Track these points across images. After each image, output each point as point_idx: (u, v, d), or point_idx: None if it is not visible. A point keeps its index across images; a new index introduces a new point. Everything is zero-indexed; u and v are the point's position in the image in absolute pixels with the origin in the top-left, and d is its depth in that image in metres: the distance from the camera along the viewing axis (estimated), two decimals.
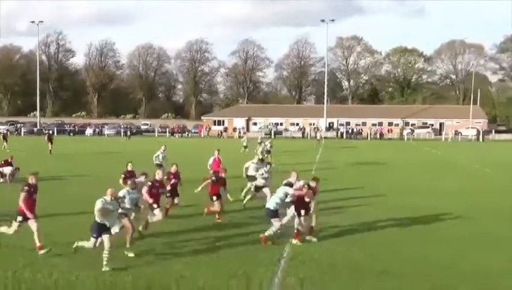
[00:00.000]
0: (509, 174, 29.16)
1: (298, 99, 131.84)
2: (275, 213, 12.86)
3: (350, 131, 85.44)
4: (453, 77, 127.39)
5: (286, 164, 27.35)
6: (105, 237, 10.70)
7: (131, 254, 11.39)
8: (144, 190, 13.65)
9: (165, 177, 15.53)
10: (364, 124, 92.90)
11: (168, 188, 15.54)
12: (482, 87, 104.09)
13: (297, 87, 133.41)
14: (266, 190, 17.25)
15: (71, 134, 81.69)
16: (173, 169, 16.27)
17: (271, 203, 13.09)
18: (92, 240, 10.83)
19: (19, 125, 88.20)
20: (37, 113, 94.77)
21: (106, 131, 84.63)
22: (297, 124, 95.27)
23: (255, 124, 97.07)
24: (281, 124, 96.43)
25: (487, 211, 17.87)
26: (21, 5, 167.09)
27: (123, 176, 16.61)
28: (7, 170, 23.94)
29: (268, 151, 32.06)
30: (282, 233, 13.02)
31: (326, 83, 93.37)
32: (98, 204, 10.83)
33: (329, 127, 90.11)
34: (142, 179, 14.75)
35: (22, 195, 11.63)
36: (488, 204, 19.29)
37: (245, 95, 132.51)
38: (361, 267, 10.93)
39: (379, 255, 11.90)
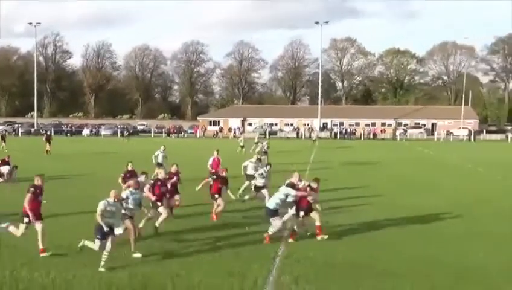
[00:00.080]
0: (502, 174, 29.24)
1: (293, 100, 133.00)
2: (275, 212, 12.87)
3: (344, 131, 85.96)
4: (445, 78, 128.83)
5: (281, 163, 27.57)
6: (108, 239, 10.69)
7: (138, 255, 11.29)
8: (146, 188, 13.66)
9: (167, 176, 15.50)
10: (357, 124, 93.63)
11: (169, 186, 15.30)
12: (473, 88, 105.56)
13: (292, 88, 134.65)
14: (265, 191, 17.26)
15: (68, 134, 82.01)
16: (173, 169, 16.49)
17: (271, 202, 13.08)
18: (97, 242, 10.74)
19: (16, 125, 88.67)
20: (35, 113, 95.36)
21: (103, 131, 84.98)
22: (292, 125, 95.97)
23: (250, 124, 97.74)
24: (276, 124, 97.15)
25: (486, 210, 17.89)
26: (19, 6, 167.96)
27: (122, 175, 17.03)
28: (4, 169, 24.03)
29: (265, 152, 32.11)
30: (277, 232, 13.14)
31: (320, 84, 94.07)
32: (101, 206, 10.74)
33: (323, 128, 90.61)
34: (142, 178, 14.83)
35: (28, 196, 11.47)
36: (487, 203, 19.30)
37: (240, 96, 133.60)
38: (360, 266, 10.90)
39: (379, 255, 11.85)
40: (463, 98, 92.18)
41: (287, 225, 13.23)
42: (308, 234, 13.22)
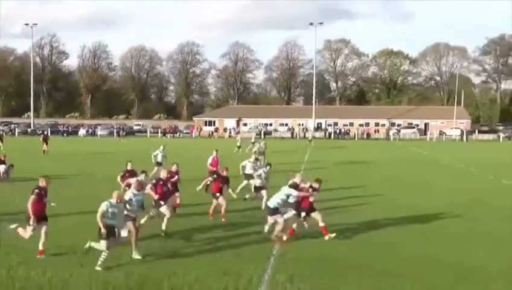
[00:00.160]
0: (494, 173, 29.21)
1: (287, 100, 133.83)
2: (276, 211, 12.89)
3: (338, 131, 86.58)
4: (438, 78, 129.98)
5: (276, 163, 27.09)
6: (112, 238, 10.68)
7: (138, 257, 11.22)
8: (148, 187, 13.66)
9: (168, 175, 15.38)
10: (351, 124, 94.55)
11: (169, 186, 15.17)
12: (466, 89, 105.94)
13: (287, 89, 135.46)
14: (264, 192, 17.29)
15: (64, 134, 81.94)
16: (174, 168, 16.70)
17: (272, 202, 13.05)
18: (103, 242, 10.61)
19: (13, 126, 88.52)
20: (31, 114, 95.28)
21: (99, 132, 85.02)
22: (287, 125, 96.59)
23: (245, 124, 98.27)
24: (271, 124, 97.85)
25: (486, 210, 17.96)
26: (15, 8, 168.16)
27: (121, 174, 17.14)
28: (1, 168, 24.15)
29: (262, 153, 32.09)
30: (271, 231, 13.21)
31: (314, 84, 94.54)
32: (103, 207, 10.69)
33: (318, 128, 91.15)
34: (142, 177, 14.89)
35: (32, 198, 11.29)
36: (485, 203, 19.37)
37: (235, 96, 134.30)
38: (360, 266, 10.92)
39: (379, 255, 11.84)
40: (455, 99, 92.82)
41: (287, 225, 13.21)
42: (314, 236, 13.14)
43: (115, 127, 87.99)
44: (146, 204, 12.66)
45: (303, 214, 13.10)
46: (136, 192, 12.06)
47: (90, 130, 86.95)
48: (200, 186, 17.47)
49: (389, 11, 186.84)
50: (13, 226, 11.79)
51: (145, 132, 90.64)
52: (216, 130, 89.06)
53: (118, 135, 73.97)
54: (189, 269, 10.46)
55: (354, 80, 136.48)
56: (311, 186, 13.53)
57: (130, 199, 11.81)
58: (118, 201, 10.96)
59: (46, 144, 41.16)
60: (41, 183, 11.67)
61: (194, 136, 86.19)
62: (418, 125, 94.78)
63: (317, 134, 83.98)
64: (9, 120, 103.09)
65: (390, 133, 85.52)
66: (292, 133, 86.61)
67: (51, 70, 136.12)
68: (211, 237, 13.35)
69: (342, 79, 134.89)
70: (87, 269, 10.34)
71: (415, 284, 9.85)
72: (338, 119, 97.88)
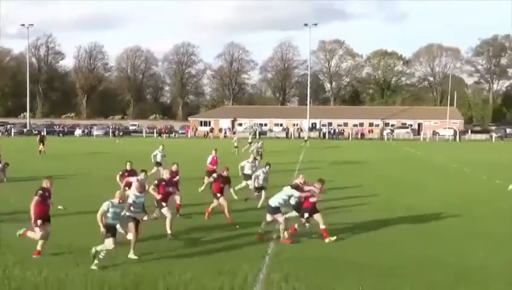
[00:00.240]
0: (487, 173, 29.12)
1: (282, 100, 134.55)
2: (277, 210, 12.86)
3: (332, 131, 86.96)
4: (431, 79, 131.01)
5: (272, 163, 25.95)
6: (104, 240, 10.56)
7: (134, 257, 11.11)
8: (151, 188, 13.64)
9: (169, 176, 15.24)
10: (345, 124, 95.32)
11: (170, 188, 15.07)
12: (459, 89, 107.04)
13: (281, 89, 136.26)
14: (262, 193, 17.33)
15: (60, 135, 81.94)
16: (174, 168, 16.75)
17: (274, 201, 12.98)
18: (109, 240, 10.48)
19: (8, 126, 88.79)
20: (27, 114, 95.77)
21: (95, 132, 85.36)
22: (281, 125, 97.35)
23: (240, 124, 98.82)
24: (266, 124, 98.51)
25: (484, 210, 17.90)
26: (11, 8, 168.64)
27: (121, 173, 17.05)
28: None
29: (260, 153, 31.95)
30: (268, 231, 13.26)
31: (309, 84, 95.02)
32: (104, 206, 10.58)
33: (312, 128, 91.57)
34: (142, 176, 15.01)
35: (35, 199, 11.17)
36: (483, 203, 19.34)
37: (230, 97, 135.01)
38: (359, 266, 10.88)
39: (379, 255, 11.79)
40: (448, 99, 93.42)
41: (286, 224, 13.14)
42: (314, 236, 13.09)
43: (111, 127, 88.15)
44: (148, 203, 12.69)
45: (306, 215, 12.93)
46: (138, 194, 12.02)
47: (86, 131, 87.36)
48: (203, 187, 17.93)
49: (383, 11, 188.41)
50: (21, 231, 11.64)
51: (141, 132, 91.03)
52: (211, 130, 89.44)
53: (114, 135, 74.06)
54: (185, 268, 10.40)
55: (348, 80, 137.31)
56: (314, 187, 13.31)
57: (134, 201, 11.77)
58: (121, 201, 10.86)
59: (43, 144, 41.04)
60: (45, 184, 11.55)
61: (189, 136, 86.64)
62: (411, 125, 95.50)
63: (312, 134, 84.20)
64: (5, 120, 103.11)
65: (384, 133, 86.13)
66: (287, 133, 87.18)
67: (47, 70, 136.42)
68: (206, 236, 13.33)
69: (336, 79, 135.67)
70: (83, 268, 10.28)
71: (415, 284, 9.81)
72: (332, 119, 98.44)
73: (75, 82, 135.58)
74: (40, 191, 11.27)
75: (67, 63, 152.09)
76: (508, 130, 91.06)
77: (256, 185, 17.76)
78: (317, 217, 12.99)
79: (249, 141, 43.68)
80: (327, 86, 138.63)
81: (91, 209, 13.84)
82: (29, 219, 11.34)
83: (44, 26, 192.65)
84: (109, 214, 10.57)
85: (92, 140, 70.70)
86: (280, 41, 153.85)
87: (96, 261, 10.37)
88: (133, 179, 15.20)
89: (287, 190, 13.08)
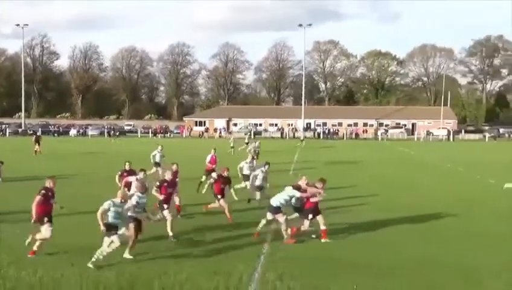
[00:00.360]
0: (480, 173, 29.31)
1: (277, 100, 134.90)
2: (278, 210, 12.86)
3: (327, 131, 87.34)
4: (425, 79, 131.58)
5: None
6: (108, 239, 10.52)
7: (129, 256, 11.11)
8: (154, 190, 13.62)
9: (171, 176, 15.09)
10: (340, 124, 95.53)
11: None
12: (452, 89, 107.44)
13: (276, 89, 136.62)
14: (260, 192, 17.46)
15: (55, 135, 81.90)
16: (174, 167, 16.80)
17: (275, 201, 13.00)
18: (114, 237, 10.46)
19: (3, 126, 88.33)
20: (22, 114, 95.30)
21: (90, 132, 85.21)
22: (276, 125, 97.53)
23: (235, 124, 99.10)
24: (261, 124, 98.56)
25: (483, 210, 17.96)
26: (6, 8, 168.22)
27: (119, 173, 17.02)
28: None
29: (257, 152, 32.04)
30: (263, 231, 13.31)
31: (303, 85, 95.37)
32: (105, 205, 10.57)
33: (307, 128, 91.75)
34: (141, 175, 15.02)
35: (37, 198, 11.10)
36: (481, 203, 19.40)
37: (225, 97, 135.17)
38: (359, 266, 10.88)
39: (379, 255, 11.78)
40: (442, 99, 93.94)
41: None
42: (314, 236, 13.14)
43: (106, 127, 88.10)
44: (148, 203, 12.67)
45: (310, 216, 12.97)
46: (140, 195, 11.98)
47: (81, 130, 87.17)
48: (204, 190, 18.13)
49: (376, 11, 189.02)
50: (29, 239, 11.48)
51: (136, 132, 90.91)
52: (206, 130, 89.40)
53: (109, 135, 74.12)
54: (180, 268, 10.41)
55: (342, 80, 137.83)
56: (314, 187, 13.33)
57: (137, 202, 11.73)
58: (122, 201, 10.86)
59: (38, 144, 40.91)
60: (48, 184, 11.50)
61: (184, 136, 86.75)
62: (405, 125, 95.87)
63: (307, 134, 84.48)
64: (0, 120, 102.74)
65: (379, 133, 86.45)
66: (282, 133, 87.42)
67: (42, 70, 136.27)
68: (203, 237, 13.33)
69: (331, 80, 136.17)
70: (78, 268, 10.25)
71: (415, 284, 9.85)
72: (327, 119, 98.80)
73: (70, 82, 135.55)
74: (43, 191, 11.23)
75: (62, 63, 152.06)
76: (501, 130, 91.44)
77: (255, 184, 17.78)
78: (319, 218, 13.05)
79: (246, 141, 43.83)
80: (322, 86, 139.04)
81: (87, 209, 14.28)
82: (30, 219, 11.29)
83: (39, 26, 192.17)
84: (111, 213, 10.56)
85: (87, 140, 70.75)
86: (275, 41, 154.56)
87: (94, 260, 10.36)
88: (132, 179, 15.32)
89: (289, 190, 13.06)
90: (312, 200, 13.03)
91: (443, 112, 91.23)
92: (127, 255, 11.10)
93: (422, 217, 16.23)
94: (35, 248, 11.15)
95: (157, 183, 13.98)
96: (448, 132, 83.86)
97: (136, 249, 11.44)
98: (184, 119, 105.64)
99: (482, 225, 15.52)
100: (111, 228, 10.51)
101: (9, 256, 11.06)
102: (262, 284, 9.68)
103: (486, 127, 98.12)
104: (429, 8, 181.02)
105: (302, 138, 65.16)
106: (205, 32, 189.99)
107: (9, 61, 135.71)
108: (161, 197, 13.47)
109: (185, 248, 12.28)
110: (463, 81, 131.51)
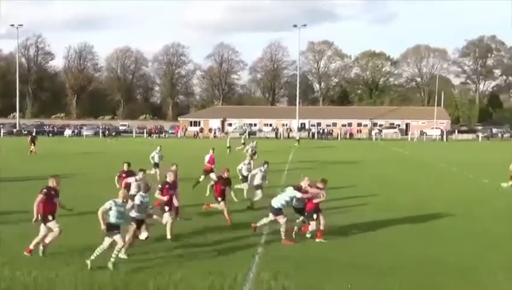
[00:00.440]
0: (474, 173, 29.44)
1: (271, 101, 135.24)
2: (279, 211, 12.84)
3: (321, 131, 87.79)
4: (418, 79, 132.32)
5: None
6: (109, 238, 10.51)
7: (124, 256, 11.04)
8: (156, 192, 13.52)
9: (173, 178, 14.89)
10: (334, 124, 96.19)
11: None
12: (446, 90, 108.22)
13: (271, 90, 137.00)
14: (259, 192, 17.51)
15: (50, 135, 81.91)
16: (173, 168, 16.61)
17: (276, 201, 12.97)
18: (116, 236, 10.47)
19: None
20: (17, 114, 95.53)
21: (85, 132, 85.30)
22: (271, 125, 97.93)
23: (230, 124, 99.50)
24: (255, 124, 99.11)
25: (483, 210, 18.00)
26: (0, 8, 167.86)
27: (118, 174, 17.00)
28: None
29: (254, 152, 31.88)
30: (259, 233, 13.31)
31: (298, 85, 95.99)
32: (106, 205, 10.54)
33: (302, 128, 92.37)
34: (140, 175, 15.02)
35: (39, 197, 10.97)
36: (481, 203, 19.46)
37: (220, 97, 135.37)
38: (358, 266, 10.88)
39: (379, 255, 11.77)
40: (436, 99, 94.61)
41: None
42: (309, 236, 13.13)
43: (101, 127, 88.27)
44: (152, 201, 12.71)
45: (315, 216, 12.95)
46: (144, 194, 11.91)
47: (76, 131, 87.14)
48: (208, 193, 18.29)
49: (370, 12, 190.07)
50: (41, 248, 11.22)
51: (131, 132, 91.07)
52: (201, 130, 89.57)
53: (104, 135, 74.26)
54: (175, 268, 10.42)
55: (337, 80, 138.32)
56: (316, 187, 13.33)
57: (141, 202, 11.68)
58: (124, 201, 10.83)
59: (34, 144, 40.97)
60: (51, 183, 11.34)
61: (179, 136, 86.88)
62: (399, 125, 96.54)
63: (301, 134, 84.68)
64: None
65: (373, 133, 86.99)
66: (276, 134, 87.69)
67: (37, 70, 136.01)
68: (197, 237, 13.30)
69: (325, 80, 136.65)
70: (73, 268, 10.23)
71: (415, 284, 9.85)
72: (321, 119, 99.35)
73: (65, 82, 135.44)
74: (45, 190, 11.12)
75: (57, 63, 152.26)
76: (494, 130, 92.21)
77: (253, 183, 17.82)
78: (320, 218, 13.11)
79: (242, 141, 43.88)
80: (316, 86, 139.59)
81: (86, 209, 14.42)
82: (30, 219, 11.19)
83: (33, 27, 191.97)
84: (113, 213, 10.53)
85: (82, 140, 70.74)
86: (269, 42, 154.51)
87: (93, 257, 10.34)
88: (131, 180, 15.43)
89: (290, 191, 13.03)
90: (314, 201, 13.04)
91: (436, 112, 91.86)
92: (122, 255, 11.02)
93: (422, 217, 16.25)
94: (31, 246, 11.09)
95: (159, 186, 13.86)
96: (442, 132, 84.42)
97: (130, 250, 11.43)
98: (179, 119, 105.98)
99: (481, 224, 15.54)
100: (112, 228, 10.49)
101: (3, 256, 11.01)
102: (256, 284, 9.69)
103: (480, 127, 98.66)
104: (423, 9, 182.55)
105: (298, 138, 65.39)
106: (200, 33, 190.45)
107: (3, 62, 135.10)
108: (164, 198, 13.42)
109: (179, 248, 12.24)
110: (456, 81, 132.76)
